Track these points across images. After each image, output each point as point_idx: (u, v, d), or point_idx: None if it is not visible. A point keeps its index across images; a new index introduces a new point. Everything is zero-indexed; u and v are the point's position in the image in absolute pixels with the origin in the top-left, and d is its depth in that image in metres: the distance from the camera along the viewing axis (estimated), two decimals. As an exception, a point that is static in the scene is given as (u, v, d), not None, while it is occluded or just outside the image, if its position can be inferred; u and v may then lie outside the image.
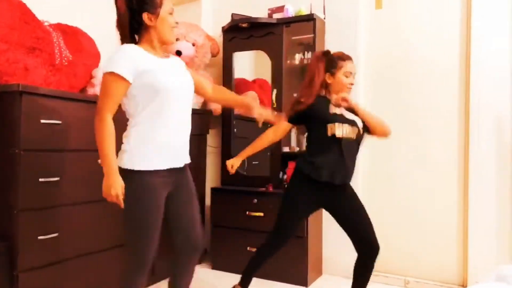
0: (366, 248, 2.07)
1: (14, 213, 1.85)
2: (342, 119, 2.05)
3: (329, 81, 2.12)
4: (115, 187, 1.55)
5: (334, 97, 2.09)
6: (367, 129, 2.13)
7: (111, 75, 1.56)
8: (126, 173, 1.60)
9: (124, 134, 1.68)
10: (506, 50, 2.52)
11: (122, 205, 1.57)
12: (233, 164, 2.20)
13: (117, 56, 1.59)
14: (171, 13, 1.70)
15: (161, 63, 1.68)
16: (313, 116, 2.08)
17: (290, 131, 2.33)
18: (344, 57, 2.11)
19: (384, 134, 2.14)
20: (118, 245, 2.34)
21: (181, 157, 1.75)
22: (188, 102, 1.76)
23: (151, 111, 1.62)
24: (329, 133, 2.02)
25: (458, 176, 2.70)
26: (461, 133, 2.69)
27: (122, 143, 1.67)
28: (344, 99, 2.03)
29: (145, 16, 1.65)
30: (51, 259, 1.99)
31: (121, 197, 1.56)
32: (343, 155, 2.02)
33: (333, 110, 2.07)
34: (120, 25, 1.68)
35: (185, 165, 1.78)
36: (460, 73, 2.70)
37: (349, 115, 2.09)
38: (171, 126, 1.66)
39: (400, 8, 2.89)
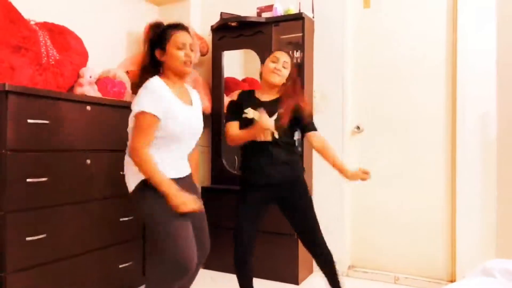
0: (316, 252, 2.11)
1: (1, 214, 1.82)
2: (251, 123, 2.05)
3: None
4: (187, 201, 1.63)
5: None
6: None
7: (143, 114, 1.64)
8: (141, 188, 1.70)
9: (125, 161, 1.79)
10: (491, 48, 2.56)
11: (201, 208, 1.70)
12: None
13: (146, 96, 1.68)
14: (180, 48, 1.74)
15: (182, 107, 1.77)
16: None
17: None
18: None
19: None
20: (106, 246, 2.33)
21: (183, 170, 1.87)
22: (195, 141, 1.90)
23: (159, 143, 1.72)
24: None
25: (445, 173, 2.73)
26: (448, 131, 2.72)
27: (124, 172, 1.79)
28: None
29: (157, 52, 1.78)
30: (39, 260, 1.97)
31: (196, 205, 1.65)
32: (267, 157, 2.05)
33: (247, 112, 2.09)
34: (141, 59, 1.84)
35: (190, 174, 1.92)
36: (446, 71, 2.73)
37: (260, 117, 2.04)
38: (176, 155, 1.81)
39: (387, 7, 2.92)
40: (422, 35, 2.80)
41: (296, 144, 2.23)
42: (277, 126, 2.00)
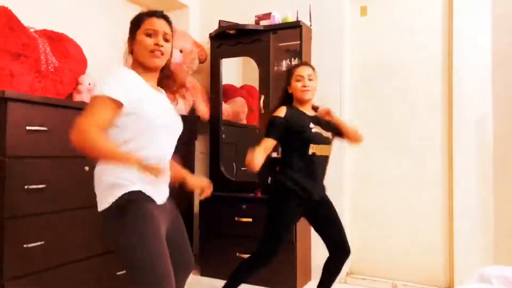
0: (341, 252, 2.18)
1: (-1, 221, 1.83)
2: (321, 139, 2.13)
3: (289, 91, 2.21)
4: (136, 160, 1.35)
5: (319, 110, 2.17)
6: (340, 135, 2.21)
7: (100, 98, 1.36)
8: (120, 205, 1.41)
9: (96, 176, 1.52)
10: (487, 51, 2.59)
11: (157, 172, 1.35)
12: None
13: (108, 79, 1.42)
14: (149, 34, 1.49)
15: (154, 93, 1.53)
16: (292, 131, 2.11)
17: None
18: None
19: (357, 140, 2.22)
20: (104, 252, 2.32)
21: (164, 192, 1.57)
22: (175, 139, 1.60)
23: (140, 143, 1.44)
24: (310, 152, 2.09)
25: (442, 179, 2.74)
26: (444, 136, 2.74)
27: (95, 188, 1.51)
28: (328, 113, 2.10)
29: (128, 42, 1.55)
30: (36, 267, 1.96)
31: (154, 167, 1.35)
32: (318, 172, 2.13)
33: (313, 127, 2.14)
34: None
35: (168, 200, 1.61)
36: (442, 77, 2.76)
37: (324, 132, 2.16)
38: (159, 159, 1.48)
39: (384, 15, 2.95)
40: (419, 41, 2.83)
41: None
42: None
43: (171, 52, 1.59)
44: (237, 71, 3.52)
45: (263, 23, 3.05)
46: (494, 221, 2.56)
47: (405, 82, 2.87)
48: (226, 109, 3.31)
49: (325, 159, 2.16)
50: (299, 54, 2.91)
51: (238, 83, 3.51)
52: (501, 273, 1.31)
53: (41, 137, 1.99)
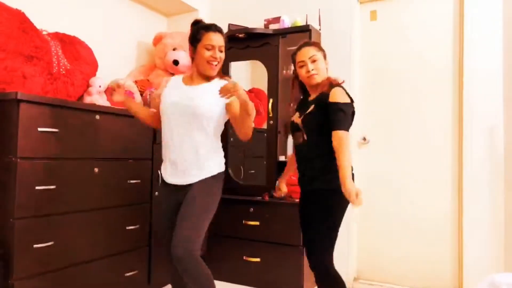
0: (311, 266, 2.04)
1: (10, 221, 1.84)
2: (293, 127, 2.05)
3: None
4: None
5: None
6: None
7: None
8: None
9: None
10: (498, 61, 2.57)
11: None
12: (282, 188, 2.27)
13: None
14: (208, 48, 1.84)
15: (182, 89, 1.89)
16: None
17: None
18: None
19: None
20: (113, 254, 2.34)
21: (183, 176, 1.87)
22: (190, 124, 1.82)
23: (162, 131, 1.93)
24: (294, 143, 2.08)
25: (452, 185, 2.72)
26: (455, 143, 2.72)
27: None
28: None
29: (189, 49, 1.92)
30: (46, 267, 1.98)
31: None
32: (301, 163, 2.03)
33: (293, 117, 2.08)
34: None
35: (196, 183, 1.87)
36: (453, 83, 2.74)
37: (297, 120, 2.02)
38: (171, 145, 1.87)
39: (394, 20, 2.95)
40: (429, 48, 2.82)
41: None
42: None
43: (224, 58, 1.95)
44: (246, 74, 3.53)
45: (273, 27, 3.06)
46: (504, 228, 2.53)
47: (415, 87, 2.85)
48: (235, 112, 3.32)
49: (302, 147, 1.98)
50: (308, 58, 2.90)
51: (246, 86, 3.52)
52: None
53: (52, 139, 2.02)
